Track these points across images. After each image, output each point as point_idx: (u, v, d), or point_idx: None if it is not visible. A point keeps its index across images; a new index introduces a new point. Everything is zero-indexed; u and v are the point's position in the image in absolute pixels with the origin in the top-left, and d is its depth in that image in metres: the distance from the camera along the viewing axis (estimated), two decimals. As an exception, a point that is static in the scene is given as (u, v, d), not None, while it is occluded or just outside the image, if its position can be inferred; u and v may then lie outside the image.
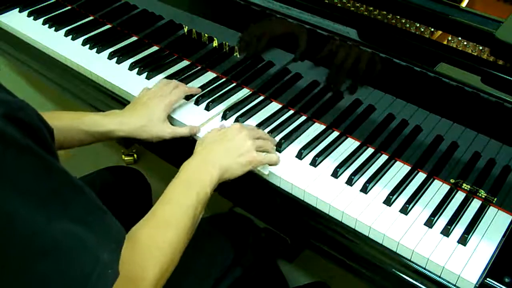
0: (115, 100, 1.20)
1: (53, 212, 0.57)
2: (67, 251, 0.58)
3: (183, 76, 1.20)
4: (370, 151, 1.01)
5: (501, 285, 0.78)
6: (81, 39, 1.34)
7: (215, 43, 1.21)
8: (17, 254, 0.56)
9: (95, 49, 1.31)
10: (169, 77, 1.19)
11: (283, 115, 1.10)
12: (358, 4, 1.01)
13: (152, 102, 1.00)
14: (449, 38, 0.94)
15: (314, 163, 0.98)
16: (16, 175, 0.55)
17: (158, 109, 0.99)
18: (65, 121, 0.95)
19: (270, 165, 0.95)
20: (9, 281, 0.57)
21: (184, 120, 1.08)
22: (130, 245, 0.66)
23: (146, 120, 0.97)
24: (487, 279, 0.79)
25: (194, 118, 1.08)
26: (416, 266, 0.84)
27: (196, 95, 1.14)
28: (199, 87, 1.16)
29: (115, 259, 0.62)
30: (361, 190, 0.93)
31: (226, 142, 0.89)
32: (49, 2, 1.50)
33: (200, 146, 0.90)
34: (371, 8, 1.00)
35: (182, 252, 0.75)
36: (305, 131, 1.06)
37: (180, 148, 1.09)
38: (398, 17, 0.97)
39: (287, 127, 1.06)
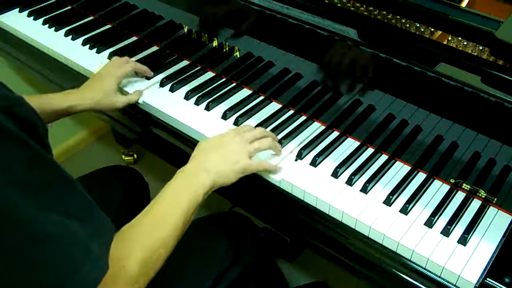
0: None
1: (44, 203, 0.60)
2: (58, 240, 0.60)
3: (183, 76, 1.20)
4: (370, 151, 1.01)
5: (501, 285, 0.78)
6: (81, 39, 1.34)
7: (215, 43, 1.21)
8: (9, 240, 0.59)
9: (95, 49, 1.31)
10: (169, 76, 1.19)
11: (283, 115, 1.10)
12: (358, 4, 1.01)
13: (105, 78, 1.11)
14: (449, 38, 0.93)
15: (314, 163, 0.98)
16: (10, 165, 0.58)
17: (111, 82, 1.10)
18: (33, 105, 0.96)
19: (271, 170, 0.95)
20: (3, 265, 0.60)
21: (183, 120, 1.08)
22: (120, 242, 0.69)
23: (101, 94, 1.08)
24: (487, 279, 0.79)
25: (194, 118, 1.08)
26: (416, 266, 0.84)
27: (196, 95, 1.14)
28: (199, 87, 1.16)
29: (105, 251, 0.65)
30: (361, 190, 0.93)
31: (222, 149, 0.89)
32: (49, 2, 1.50)
33: (197, 151, 0.90)
34: (371, 8, 1.00)
35: (169, 253, 0.76)
36: (304, 131, 1.06)
37: (179, 149, 1.10)
38: (398, 17, 0.97)
39: (287, 127, 1.06)
